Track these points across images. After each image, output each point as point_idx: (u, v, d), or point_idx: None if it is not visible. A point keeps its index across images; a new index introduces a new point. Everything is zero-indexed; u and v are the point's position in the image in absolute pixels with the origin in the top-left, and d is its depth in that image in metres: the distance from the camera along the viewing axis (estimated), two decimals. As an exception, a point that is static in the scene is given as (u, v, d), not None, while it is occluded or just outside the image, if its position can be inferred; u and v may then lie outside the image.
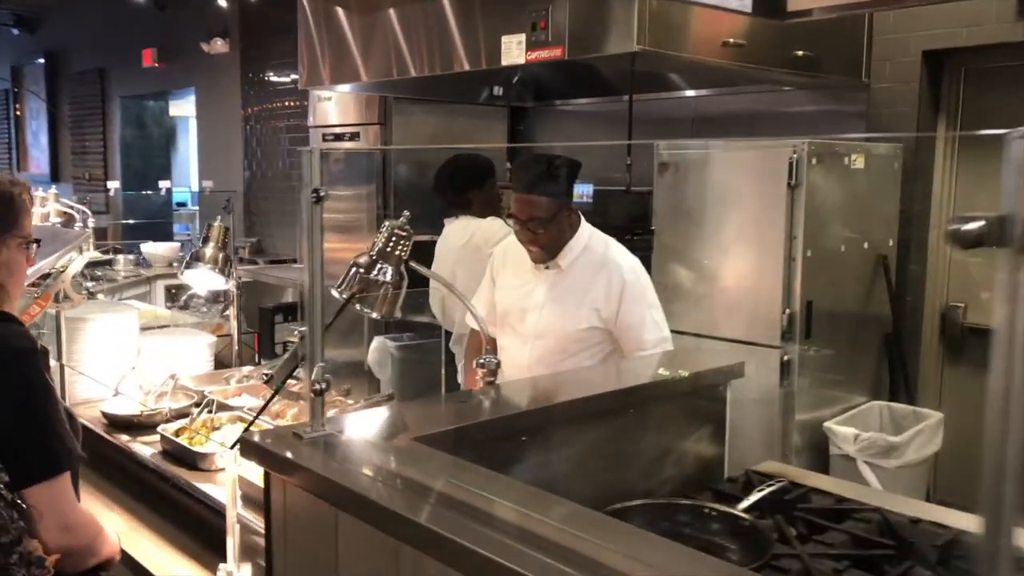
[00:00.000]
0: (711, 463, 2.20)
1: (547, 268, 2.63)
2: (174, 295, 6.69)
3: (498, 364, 2.01)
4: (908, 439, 3.34)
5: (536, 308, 2.58)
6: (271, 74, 7.64)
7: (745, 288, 3.46)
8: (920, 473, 3.50)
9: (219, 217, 3.06)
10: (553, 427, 1.80)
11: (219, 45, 7.88)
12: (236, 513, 1.76)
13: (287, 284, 6.20)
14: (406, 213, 2.10)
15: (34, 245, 1.75)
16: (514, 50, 3.46)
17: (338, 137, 5.34)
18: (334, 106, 5.37)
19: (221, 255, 2.96)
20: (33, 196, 1.79)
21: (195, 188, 9.82)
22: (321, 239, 1.56)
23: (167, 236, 8.68)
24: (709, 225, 3.56)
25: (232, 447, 1.70)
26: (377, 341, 4.93)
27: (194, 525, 2.21)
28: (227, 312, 3.64)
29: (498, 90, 5.25)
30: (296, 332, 1.88)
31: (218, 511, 2.08)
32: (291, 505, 1.51)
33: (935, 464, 3.71)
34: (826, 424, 3.47)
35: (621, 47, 3.09)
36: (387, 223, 2.08)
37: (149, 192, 9.54)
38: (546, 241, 2.57)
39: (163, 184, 8.45)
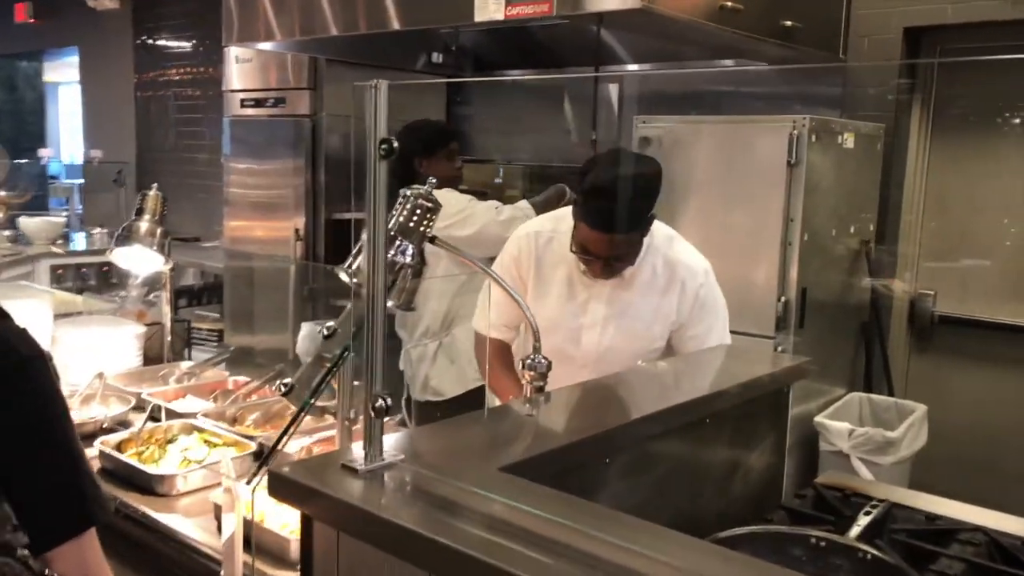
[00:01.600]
0: (775, 475, 1.92)
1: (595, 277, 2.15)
2: (60, 276, 6.01)
3: (549, 366, 1.66)
4: (903, 434, 3.17)
5: (595, 326, 2.15)
6: (168, 35, 6.97)
7: (738, 274, 3.20)
8: (906, 468, 3.34)
9: (154, 186, 2.58)
10: (636, 445, 1.48)
11: (107, 2, 7.13)
12: (243, 565, 1.35)
13: (188, 265, 5.64)
14: (432, 180, 1.71)
15: None
16: (491, 5, 3.09)
17: (258, 103, 4.82)
18: (254, 68, 4.85)
19: (159, 230, 2.49)
20: None
21: (67, 159, 8.95)
22: (385, 209, 1.17)
23: (42, 210, 7.84)
24: (697, 205, 3.29)
25: (250, 481, 1.29)
26: (306, 328, 4.43)
27: (150, 567, 1.78)
28: (151, 296, 3.14)
29: (437, 57, 4.85)
30: (324, 328, 1.47)
31: (190, 550, 1.67)
32: (352, 566, 1.13)
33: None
34: (817, 419, 3.27)
35: (623, 3, 2.76)
36: (408, 191, 1.69)
37: (22, 161, 8.63)
38: (622, 265, 2.10)
39: (43, 153, 7.62)
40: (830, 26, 3.75)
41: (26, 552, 1.06)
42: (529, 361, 1.67)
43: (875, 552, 1.48)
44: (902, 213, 3.85)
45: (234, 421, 2.27)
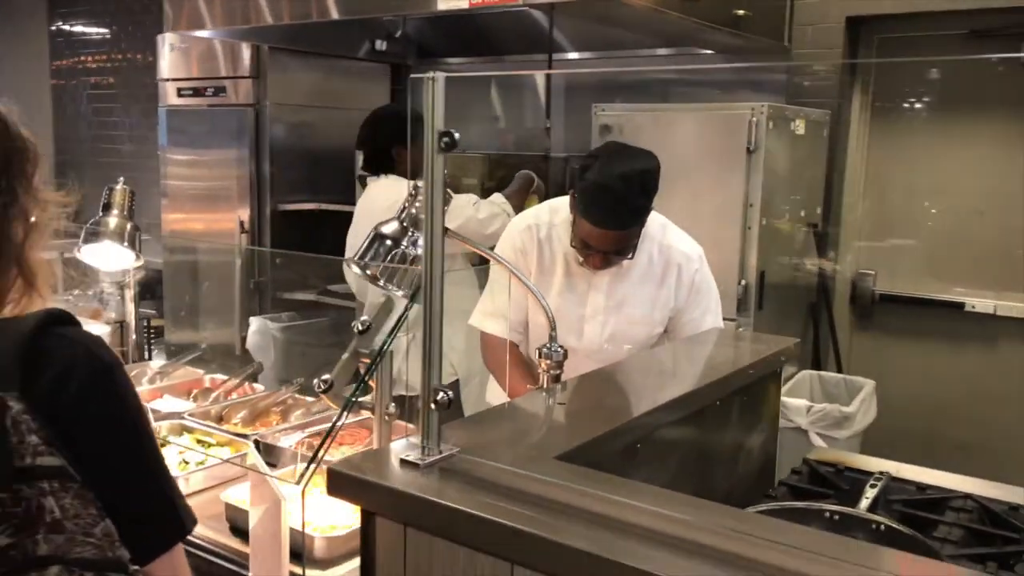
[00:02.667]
0: (771, 453, 1.99)
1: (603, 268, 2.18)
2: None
3: (565, 354, 1.68)
4: (857, 408, 3.31)
5: (596, 316, 2.17)
6: (87, 21, 6.70)
7: (699, 259, 3.28)
8: (857, 441, 3.49)
9: (121, 179, 2.49)
10: (661, 430, 1.51)
11: (19, -15, 6.81)
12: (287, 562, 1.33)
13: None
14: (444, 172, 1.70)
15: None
16: (454, -7, 3.07)
17: (197, 92, 4.69)
18: (191, 56, 4.70)
19: (129, 225, 2.41)
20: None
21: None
22: (442, 203, 1.17)
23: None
24: (658, 192, 3.33)
25: (299, 482, 1.27)
26: (256, 322, 4.38)
27: None
28: (105, 294, 3.04)
29: (381, 44, 4.79)
30: (359, 323, 1.45)
31: (207, 552, 1.63)
32: (419, 561, 1.13)
33: (861, 431, 3.74)
34: (776, 397, 3.38)
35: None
36: (419, 183, 1.68)
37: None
38: (621, 258, 2.13)
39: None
40: (776, 15, 3.85)
41: (136, 568, 1.03)
42: (546, 350, 1.69)
43: (889, 523, 1.56)
44: (844, 196, 3.99)
45: (220, 420, 2.22)
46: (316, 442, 2.07)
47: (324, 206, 4.45)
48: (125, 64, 6.50)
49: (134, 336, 2.75)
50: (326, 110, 4.70)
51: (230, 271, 4.66)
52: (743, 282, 3.22)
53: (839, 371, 3.81)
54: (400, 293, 1.67)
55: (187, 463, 1.94)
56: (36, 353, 1.03)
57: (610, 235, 2.02)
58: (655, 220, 2.21)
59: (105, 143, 6.72)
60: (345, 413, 1.35)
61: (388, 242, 1.67)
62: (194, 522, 1.10)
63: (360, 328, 1.40)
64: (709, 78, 4.15)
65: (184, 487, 1.86)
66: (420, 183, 1.73)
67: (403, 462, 1.19)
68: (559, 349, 1.68)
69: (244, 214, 4.52)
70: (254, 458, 1.41)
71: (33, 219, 1.15)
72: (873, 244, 4.04)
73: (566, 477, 1.16)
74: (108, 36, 6.60)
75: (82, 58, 6.78)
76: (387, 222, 1.70)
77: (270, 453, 2.02)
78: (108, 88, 6.61)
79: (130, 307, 2.73)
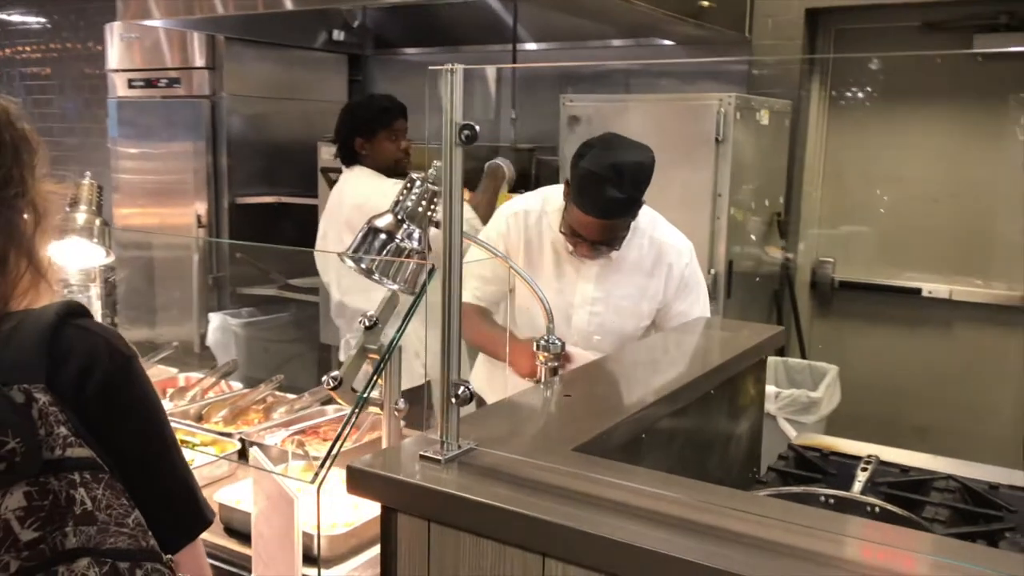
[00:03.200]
0: (757, 438, 2.02)
1: (592, 258, 2.18)
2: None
3: (563, 347, 1.67)
4: (823, 394, 3.37)
5: (584, 306, 2.18)
6: (21, 8, 6.47)
7: (669, 248, 3.31)
8: (822, 426, 3.56)
9: (87, 174, 2.41)
10: (664, 419, 1.52)
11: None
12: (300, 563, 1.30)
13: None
14: (436, 163, 1.68)
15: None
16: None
17: (149, 83, 4.57)
18: (143, 47, 4.58)
19: (98, 221, 2.33)
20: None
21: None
22: (461, 197, 1.15)
23: None
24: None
25: (313, 481, 1.25)
26: (216, 319, 4.31)
27: None
28: (65, 292, 2.95)
29: (338, 34, 4.74)
30: (365, 318, 1.42)
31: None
32: (444, 556, 1.12)
33: (824, 416, 3.81)
34: (744, 384, 3.43)
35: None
36: (416, 176, 1.66)
37: None
38: (610, 248, 2.14)
39: None
40: (737, 6, 3.89)
41: (170, 557, 1.01)
42: (543, 342, 1.68)
43: (883, 504, 1.59)
44: (803, 185, 4.06)
45: (200, 419, 2.18)
46: (303, 439, 2.05)
47: (284, 199, 4.38)
48: (65, 54, 6.31)
49: (101, 334, 2.67)
50: (283, 101, 4.63)
51: (186, 266, 4.56)
52: (713, 271, 3.26)
53: (803, 357, 3.88)
54: (395, 287, 1.65)
55: (172, 464, 1.89)
56: (59, 345, 1.02)
57: (600, 224, 2.02)
58: (645, 213, 2.21)
59: (44, 135, 6.47)
60: (357, 411, 1.33)
61: (382, 236, 1.65)
62: (214, 514, 1.10)
63: (367, 323, 1.37)
64: (671, 69, 4.18)
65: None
66: (416, 175, 1.72)
67: (423, 458, 1.17)
68: (557, 341, 1.68)
69: (201, 208, 4.43)
70: (259, 457, 1.38)
71: (41, 211, 1.13)
72: (832, 232, 4.12)
73: (589, 468, 1.16)
74: (49, 25, 6.40)
75: (19, 47, 6.56)
76: (381, 215, 1.68)
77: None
78: (46, 79, 6.41)
79: (97, 305, 2.65)
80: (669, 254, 2.21)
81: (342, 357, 3.45)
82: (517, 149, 3.90)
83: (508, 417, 1.41)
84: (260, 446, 1.97)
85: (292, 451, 1.83)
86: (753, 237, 3.61)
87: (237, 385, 2.43)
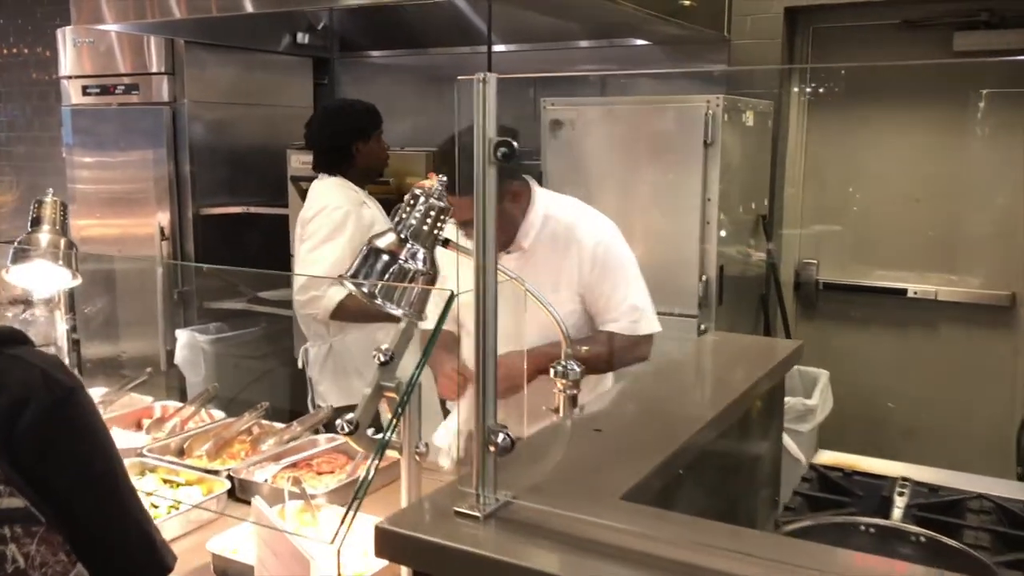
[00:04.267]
0: (777, 460, 1.93)
1: (508, 253, 2.20)
2: None
3: (582, 373, 1.56)
4: (819, 401, 3.31)
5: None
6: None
7: (658, 255, 3.20)
8: (815, 434, 3.50)
9: (50, 191, 2.25)
10: (701, 451, 1.42)
11: None
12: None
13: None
14: (441, 178, 1.56)
15: None
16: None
17: (105, 90, 4.36)
18: (98, 52, 4.37)
19: (63, 241, 2.17)
20: None
21: None
22: (494, 218, 1.03)
23: None
24: (614, 187, 3.26)
25: (333, 541, 1.12)
26: (184, 336, 4.12)
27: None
28: (26, 314, 2.77)
29: (303, 37, 4.58)
30: (380, 353, 1.28)
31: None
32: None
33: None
34: (736, 392, 3.35)
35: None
36: (419, 190, 1.53)
37: None
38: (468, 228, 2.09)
39: None
40: (716, 6, 3.81)
41: None
42: (561, 368, 1.57)
43: (930, 534, 1.50)
44: (785, 186, 4.00)
45: (181, 453, 2.03)
46: (294, 474, 1.91)
47: (251, 209, 4.20)
48: (12, 60, 6.04)
49: (67, 360, 2.49)
50: (247, 107, 4.45)
51: (150, 280, 4.37)
52: (704, 277, 3.17)
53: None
54: (399, 312, 1.52)
55: (156, 507, 1.74)
56: None
57: (452, 201, 1.97)
58: (560, 202, 2.27)
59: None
60: (378, 460, 1.19)
61: (384, 256, 1.52)
62: (175, 559, 0.97)
63: (382, 359, 1.24)
64: (648, 70, 4.09)
65: (158, 536, 1.67)
66: (418, 190, 1.60)
67: (459, 514, 1.05)
68: (575, 368, 1.56)
69: (164, 219, 4.24)
70: (264, 511, 1.24)
71: None
72: (814, 233, 4.06)
73: (644, 522, 1.05)
74: (-4, 27, 6.13)
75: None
76: (382, 235, 1.55)
77: (247, 489, 1.85)
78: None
79: (62, 328, 2.48)
80: (579, 235, 2.21)
81: (299, 364, 3.28)
82: (495, 154, 3.77)
83: (540, 460, 1.28)
84: (250, 484, 1.83)
85: (288, 489, 1.69)
86: (741, 241, 3.54)
87: (219, 414, 2.28)
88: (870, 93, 3.88)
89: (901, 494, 1.69)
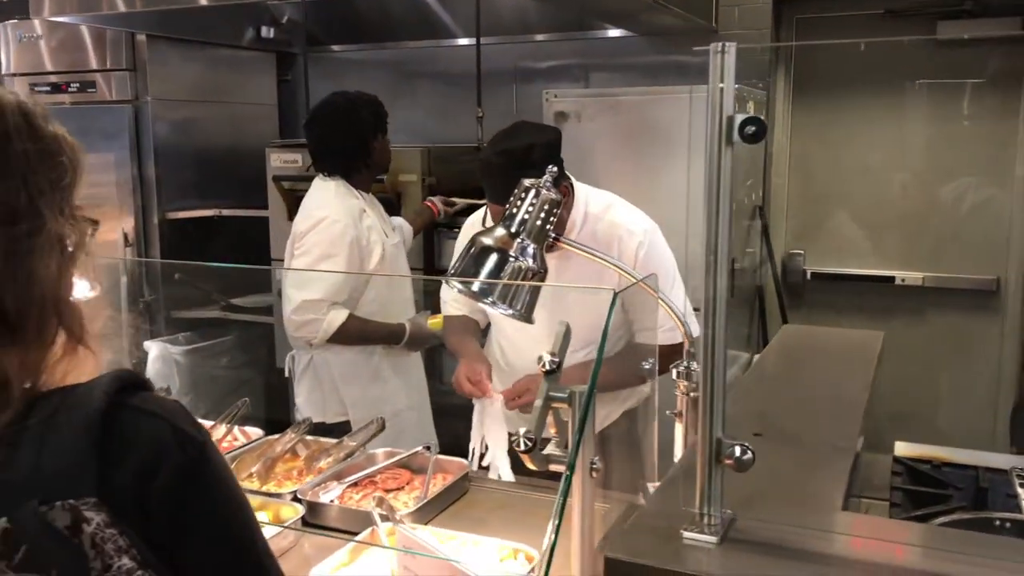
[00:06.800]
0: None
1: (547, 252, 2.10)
2: None
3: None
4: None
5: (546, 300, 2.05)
6: None
7: (671, 249, 3.13)
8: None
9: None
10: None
11: None
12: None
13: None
14: (552, 169, 1.45)
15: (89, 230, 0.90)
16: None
17: (56, 88, 4.08)
18: (46, 47, 4.09)
19: (78, 250, 1.97)
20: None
21: None
22: (729, 210, 0.93)
23: None
24: (620, 179, 3.16)
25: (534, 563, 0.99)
26: (155, 347, 3.87)
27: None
28: None
29: (267, 31, 4.37)
30: (546, 361, 1.16)
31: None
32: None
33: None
34: (747, 385, 3.32)
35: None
36: (529, 182, 1.42)
37: None
38: None
39: None
40: (702, -4, 3.78)
41: None
42: (683, 369, 1.47)
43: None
44: (772, 177, 4.00)
45: (267, 476, 1.85)
46: (374, 493, 1.77)
47: (224, 212, 3.98)
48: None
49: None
50: (211, 104, 4.22)
51: (113, 289, 4.09)
52: (716, 270, 3.12)
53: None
54: (511, 313, 1.41)
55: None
56: (112, 440, 0.76)
57: (498, 209, 1.95)
58: (599, 199, 2.19)
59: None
60: (568, 487, 1.07)
61: (494, 254, 1.40)
62: None
63: (548, 367, 1.12)
64: (634, 63, 4.03)
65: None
66: (528, 181, 1.48)
67: (688, 537, 0.95)
68: (698, 369, 1.47)
69: (128, 224, 3.98)
70: (411, 536, 1.11)
71: (70, 248, 0.85)
72: (801, 223, 4.07)
73: (873, 530, 0.96)
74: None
75: None
76: (489, 231, 1.43)
77: (318, 513, 1.70)
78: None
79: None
80: (620, 235, 2.15)
81: (286, 372, 3.08)
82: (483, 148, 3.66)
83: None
84: (317, 506, 1.68)
85: (378, 512, 1.55)
86: (741, 232, 3.51)
87: (256, 432, 2.11)
88: (854, 82, 3.90)
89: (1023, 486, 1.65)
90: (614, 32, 4.02)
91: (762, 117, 0.91)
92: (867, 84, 3.87)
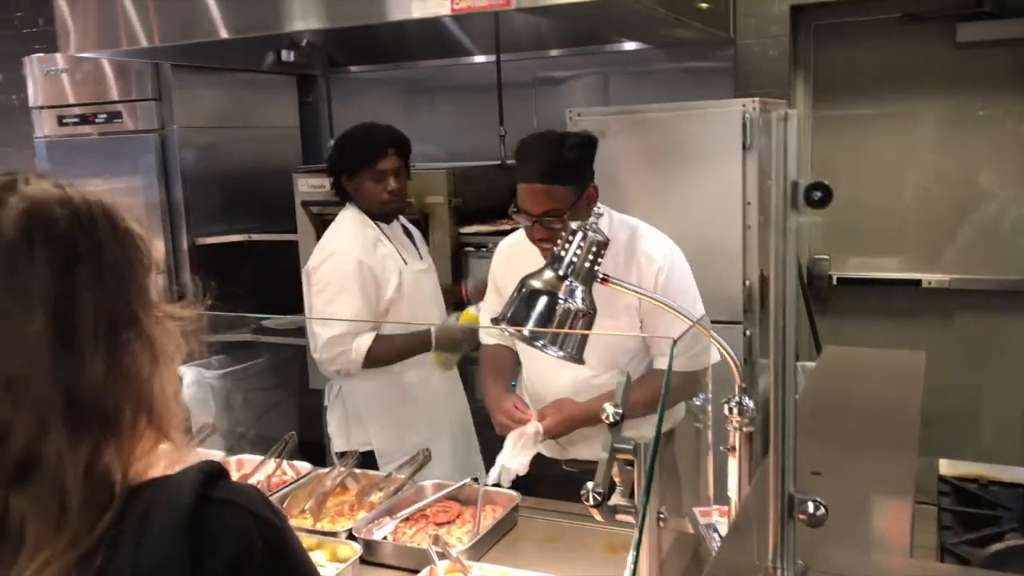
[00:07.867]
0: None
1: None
2: None
3: (753, 410, 1.49)
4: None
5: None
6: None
7: (701, 263, 3.13)
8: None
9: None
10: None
11: None
12: None
13: None
14: (597, 210, 1.47)
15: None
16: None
17: (84, 119, 4.13)
18: (73, 80, 4.14)
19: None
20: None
21: None
22: (795, 276, 0.95)
23: None
24: (649, 196, 3.19)
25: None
26: (190, 372, 3.92)
27: None
28: None
29: (288, 55, 4.40)
30: (611, 413, 1.18)
31: None
32: None
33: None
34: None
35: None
36: (575, 224, 1.44)
37: None
38: (556, 226, 2.03)
39: None
40: (721, 6, 3.79)
41: None
42: (735, 403, 1.49)
43: None
44: (794, 184, 4.00)
45: (322, 512, 1.88)
46: (412, 528, 1.80)
47: (254, 236, 4.02)
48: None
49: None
50: (235, 129, 4.27)
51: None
52: (747, 283, 3.14)
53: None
54: (561, 355, 1.43)
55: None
56: (202, 535, 0.79)
57: (536, 190, 2.04)
58: (624, 225, 2.26)
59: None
60: (640, 542, 1.09)
61: (544, 297, 1.42)
62: None
63: (612, 419, 1.15)
64: (652, 76, 4.05)
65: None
66: (575, 224, 1.50)
67: (763, 591, 0.97)
68: (750, 404, 1.48)
69: (159, 251, 4.03)
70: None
71: (159, 345, 0.89)
72: (825, 229, 4.08)
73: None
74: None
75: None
76: (538, 273, 1.46)
77: (371, 550, 1.73)
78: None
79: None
80: (640, 259, 2.19)
81: (325, 401, 3.10)
82: (509, 167, 3.68)
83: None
84: (375, 544, 1.71)
85: (435, 550, 1.58)
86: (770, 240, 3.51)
87: (305, 466, 2.14)
88: (874, 86, 3.91)
89: (1074, 506, 1.66)
90: (630, 45, 4.03)
91: (827, 182, 0.93)
92: (887, 87, 3.87)
